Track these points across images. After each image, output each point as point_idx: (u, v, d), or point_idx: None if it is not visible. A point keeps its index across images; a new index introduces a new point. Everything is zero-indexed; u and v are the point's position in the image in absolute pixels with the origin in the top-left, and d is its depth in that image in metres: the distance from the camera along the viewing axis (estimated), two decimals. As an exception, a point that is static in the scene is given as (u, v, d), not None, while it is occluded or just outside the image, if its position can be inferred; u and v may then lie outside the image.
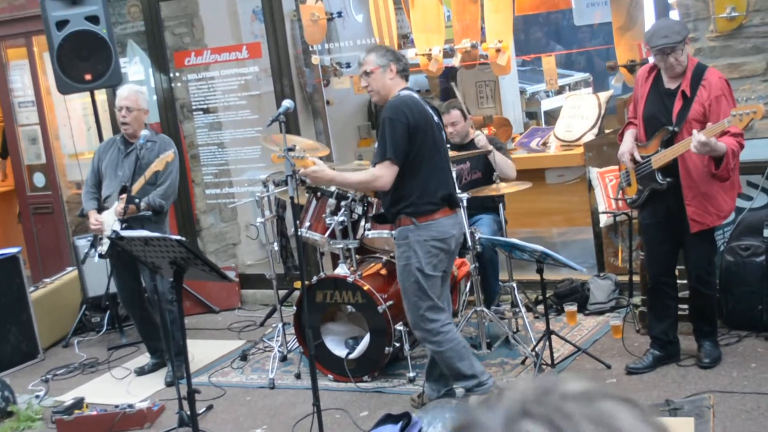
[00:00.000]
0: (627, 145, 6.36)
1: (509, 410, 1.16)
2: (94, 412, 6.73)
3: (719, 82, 6.01)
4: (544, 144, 9.14)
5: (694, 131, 5.74)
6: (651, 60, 6.23)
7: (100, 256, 7.32)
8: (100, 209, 7.36)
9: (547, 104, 10.58)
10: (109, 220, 7.14)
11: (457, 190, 6.87)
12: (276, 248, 7.75)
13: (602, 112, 8.87)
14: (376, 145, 5.90)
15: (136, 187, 7.00)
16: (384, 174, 5.65)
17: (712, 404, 4.73)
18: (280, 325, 7.58)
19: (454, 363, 5.92)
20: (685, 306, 6.74)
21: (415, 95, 5.89)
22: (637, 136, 6.35)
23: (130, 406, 6.71)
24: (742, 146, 5.98)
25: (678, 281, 6.54)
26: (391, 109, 5.72)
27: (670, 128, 6.03)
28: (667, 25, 6.08)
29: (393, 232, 5.96)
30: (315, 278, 7.04)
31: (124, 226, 6.80)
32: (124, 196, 6.93)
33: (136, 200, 6.98)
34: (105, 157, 7.48)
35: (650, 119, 6.18)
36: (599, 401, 1.17)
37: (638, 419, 1.16)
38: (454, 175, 6.75)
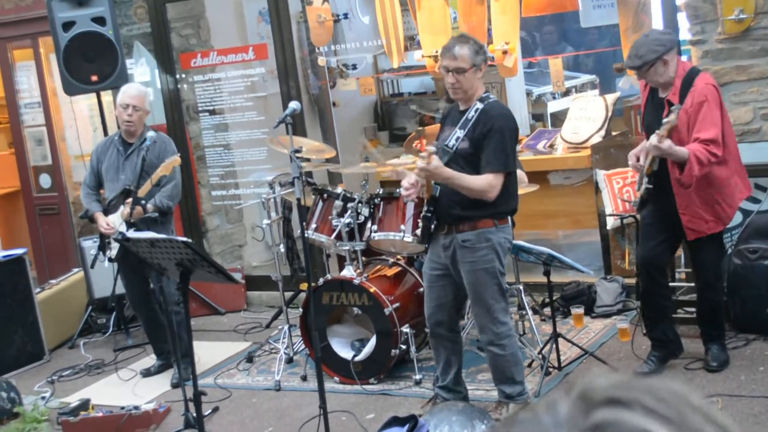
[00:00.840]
0: (639, 146, 6.34)
1: (586, 399, 1.08)
2: (100, 414, 6.73)
3: (705, 88, 5.93)
4: (551, 146, 9.12)
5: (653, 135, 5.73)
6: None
7: (110, 259, 7.31)
8: (105, 212, 7.35)
9: (553, 106, 10.55)
10: (116, 224, 7.13)
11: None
12: (282, 250, 7.75)
13: (609, 114, 8.84)
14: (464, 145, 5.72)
15: (143, 190, 7.00)
16: (498, 185, 5.60)
17: (720, 408, 4.71)
18: (286, 327, 7.58)
19: (510, 367, 5.94)
20: (690, 309, 6.74)
21: None
22: None
23: (136, 407, 6.71)
24: (712, 154, 5.79)
25: (676, 283, 6.54)
26: (507, 118, 5.73)
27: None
28: (644, 43, 6.00)
29: (464, 234, 5.77)
30: (321, 280, 7.03)
31: (133, 229, 6.82)
32: (130, 200, 6.93)
33: (143, 202, 6.97)
34: (104, 158, 7.45)
35: (648, 127, 6.16)
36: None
37: None
38: None
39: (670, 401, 1.05)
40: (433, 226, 5.87)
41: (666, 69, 5.94)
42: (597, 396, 1.07)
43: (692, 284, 6.57)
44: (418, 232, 6.11)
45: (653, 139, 5.69)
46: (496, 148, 5.60)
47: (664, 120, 5.70)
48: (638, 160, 6.24)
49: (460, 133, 5.73)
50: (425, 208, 5.84)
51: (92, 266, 7.64)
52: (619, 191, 7.77)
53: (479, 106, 5.72)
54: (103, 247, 7.37)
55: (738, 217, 6.67)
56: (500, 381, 6.01)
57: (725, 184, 6.06)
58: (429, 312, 6.11)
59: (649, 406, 1.04)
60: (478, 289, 5.80)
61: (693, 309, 6.71)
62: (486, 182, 5.59)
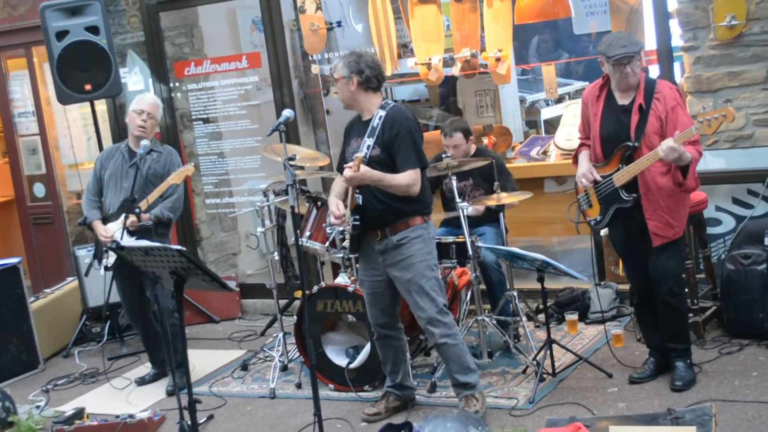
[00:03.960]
0: (584, 166, 6.29)
1: None
2: (95, 423, 6.72)
3: (671, 92, 6.00)
4: (545, 153, 9.14)
5: (668, 139, 5.74)
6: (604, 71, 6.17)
7: (106, 268, 7.31)
8: (104, 219, 7.35)
9: (547, 113, 10.58)
10: (115, 232, 7.13)
11: (458, 200, 6.91)
12: (276, 258, 7.75)
13: (602, 120, 8.85)
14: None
15: (152, 196, 7.04)
16: (418, 180, 5.91)
17: (714, 413, 4.72)
18: (280, 334, 7.58)
19: (465, 355, 6.12)
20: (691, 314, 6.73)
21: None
22: (591, 156, 6.31)
23: (131, 416, 6.70)
24: (700, 154, 5.94)
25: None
26: (410, 120, 6.01)
27: (630, 144, 6.00)
28: (624, 36, 6.09)
29: (398, 234, 5.97)
30: (315, 288, 7.04)
31: (135, 237, 6.85)
32: (133, 218, 6.96)
33: (137, 210, 6.96)
34: (108, 165, 7.45)
35: (608, 138, 6.12)
36: None
37: None
38: (456, 191, 6.84)
39: None
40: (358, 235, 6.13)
41: (638, 66, 6.01)
42: None
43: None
44: (346, 244, 6.51)
45: (669, 142, 5.68)
46: (408, 148, 5.90)
47: (692, 128, 5.72)
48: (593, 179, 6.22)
49: (369, 141, 5.99)
50: (352, 218, 6.01)
51: (86, 274, 7.65)
52: (571, 213, 7.79)
53: (381, 113, 6.01)
54: (99, 255, 7.38)
55: (731, 223, 6.69)
56: (459, 371, 6.13)
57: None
58: (373, 318, 6.32)
59: None
60: (419, 282, 5.98)
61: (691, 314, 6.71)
62: (410, 177, 5.87)
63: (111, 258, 7.25)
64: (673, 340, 6.33)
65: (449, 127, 7.49)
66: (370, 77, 5.99)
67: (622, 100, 6.10)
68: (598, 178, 6.20)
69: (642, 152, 5.93)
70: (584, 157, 6.36)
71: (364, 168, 5.77)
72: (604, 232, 7.89)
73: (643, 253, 6.26)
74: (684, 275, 6.42)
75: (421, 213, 6.02)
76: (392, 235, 5.98)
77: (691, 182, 5.92)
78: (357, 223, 5.98)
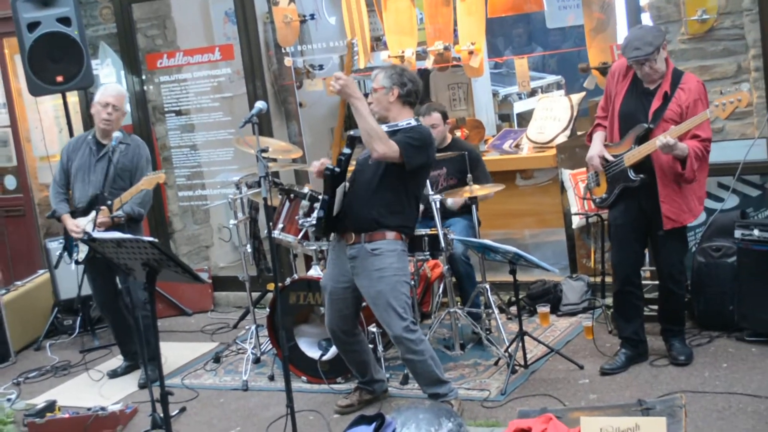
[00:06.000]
0: (597, 147, 6.38)
1: None
2: (67, 415, 6.69)
3: (698, 86, 6.09)
4: (517, 146, 9.16)
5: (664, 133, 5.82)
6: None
7: (77, 262, 7.27)
8: (72, 213, 7.31)
9: (519, 106, 10.61)
10: (85, 226, 7.09)
11: (430, 193, 6.92)
12: (249, 250, 7.74)
13: (574, 114, 8.90)
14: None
15: (124, 198, 7.00)
16: (392, 152, 5.74)
17: (684, 404, 4.74)
18: (253, 327, 7.57)
19: (433, 369, 6.02)
20: (654, 306, 6.79)
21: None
22: (607, 136, 6.38)
23: (103, 408, 6.68)
24: (707, 151, 6.06)
25: (644, 282, 6.60)
26: (427, 132, 6.03)
27: (646, 125, 6.07)
28: (640, 36, 6.06)
29: (374, 243, 5.92)
30: (288, 280, 7.03)
31: (102, 229, 6.82)
32: (104, 209, 6.92)
33: (109, 202, 6.94)
34: (75, 157, 7.39)
35: (626, 116, 6.21)
36: None
37: None
38: (429, 179, 6.83)
39: None
40: (332, 235, 6.14)
41: (661, 59, 6.05)
42: None
43: (656, 282, 6.61)
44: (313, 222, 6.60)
45: (662, 138, 5.80)
46: (412, 139, 5.84)
47: (706, 111, 5.86)
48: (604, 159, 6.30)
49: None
50: (318, 209, 5.98)
51: (56, 266, 7.59)
52: (578, 189, 7.82)
53: (412, 122, 6.02)
54: (69, 248, 7.33)
55: (701, 216, 6.74)
56: (429, 385, 6.08)
57: (702, 179, 6.20)
58: (332, 324, 6.27)
59: None
60: (388, 297, 5.92)
61: (654, 306, 6.77)
62: (388, 141, 5.75)
63: (82, 253, 7.21)
64: (669, 321, 6.52)
65: (427, 108, 7.50)
66: (411, 91, 6.02)
67: (647, 83, 6.17)
68: (609, 157, 6.25)
69: (656, 135, 6.00)
70: (598, 138, 6.43)
71: (353, 82, 5.78)
72: (576, 223, 7.96)
73: (640, 239, 6.39)
74: (684, 264, 6.51)
75: (401, 231, 5.98)
76: (367, 242, 5.93)
77: (689, 174, 5.99)
78: (321, 215, 5.92)
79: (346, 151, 5.94)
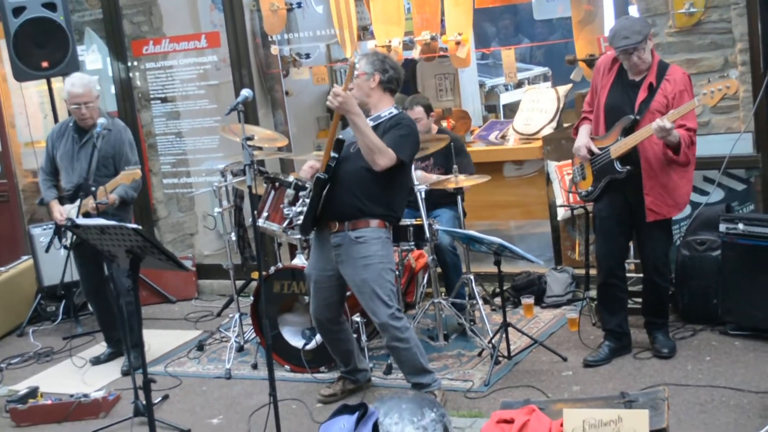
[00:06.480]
0: (583, 139, 6.39)
1: None
2: (49, 402, 6.69)
3: (683, 77, 6.12)
4: (503, 137, 9.17)
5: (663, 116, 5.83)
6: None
7: (66, 247, 7.25)
8: (60, 199, 7.29)
9: (506, 98, 10.61)
10: (70, 213, 7.07)
11: (416, 182, 6.91)
12: (233, 238, 7.72)
13: (561, 105, 8.91)
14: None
15: (109, 187, 6.97)
16: (390, 161, 5.75)
17: (666, 397, 4.76)
18: (236, 315, 7.57)
19: (419, 358, 6.04)
20: (638, 299, 6.81)
21: None
22: (593, 129, 6.38)
23: (86, 395, 6.68)
24: (693, 143, 6.08)
25: (628, 274, 6.62)
26: (414, 124, 6.07)
27: (632, 117, 6.07)
28: (628, 25, 6.08)
29: (358, 231, 5.92)
30: (272, 269, 7.02)
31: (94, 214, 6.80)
32: (90, 198, 6.89)
33: (93, 188, 6.91)
34: (59, 145, 7.37)
35: (612, 109, 6.22)
36: None
37: None
38: (415, 170, 6.83)
39: None
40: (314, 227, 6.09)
41: (648, 49, 6.06)
42: None
43: (641, 275, 6.63)
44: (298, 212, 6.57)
45: (660, 121, 5.78)
46: (403, 137, 5.86)
47: (694, 100, 5.90)
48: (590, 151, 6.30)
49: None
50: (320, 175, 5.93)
51: (47, 251, 7.55)
52: (563, 182, 7.83)
53: (393, 111, 6.04)
54: (59, 233, 7.31)
55: (686, 209, 6.75)
56: (413, 374, 6.10)
57: (689, 171, 6.20)
58: (317, 313, 6.27)
59: None
60: (373, 285, 5.93)
61: (638, 299, 6.79)
62: (387, 151, 5.74)
63: (72, 238, 7.19)
64: (653, 314, 6.55)
65: (410, 101, 7.50)
66: (393, 78, 6.00)
67: (634, 76, 6.19)
68: (595, 150, 6.26)
69: (642, 127, 6.02)
70: (584, 130, 6.45)
71: (351, 98, 5.72)
72: (561, 215, 7.96)
73: (624, 232, 6.41)
74: (668, 256, 6.51)
75: (385, 219, 5.97)
76: (350, 230, 5.91)
77: (683, 157, 6.02)
78: (308, 218, 5.97)
79: (334, 155, 5.93)
